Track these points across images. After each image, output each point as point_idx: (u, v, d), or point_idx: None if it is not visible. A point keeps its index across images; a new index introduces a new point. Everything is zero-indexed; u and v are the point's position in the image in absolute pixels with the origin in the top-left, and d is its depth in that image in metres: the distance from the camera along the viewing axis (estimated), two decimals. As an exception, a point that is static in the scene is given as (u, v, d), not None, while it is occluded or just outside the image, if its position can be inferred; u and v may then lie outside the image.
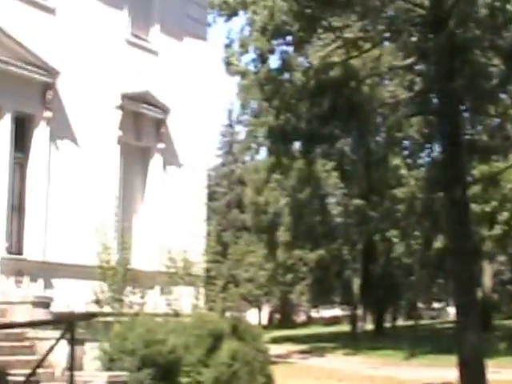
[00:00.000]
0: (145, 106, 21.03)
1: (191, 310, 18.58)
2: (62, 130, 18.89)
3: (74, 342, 11.63)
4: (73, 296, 17.31)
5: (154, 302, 18.24)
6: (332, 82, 38.78)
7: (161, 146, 21.60)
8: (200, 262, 19.90)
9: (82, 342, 14.74)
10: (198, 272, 19.64)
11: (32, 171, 18.41)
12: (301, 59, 40.44)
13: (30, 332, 15.53)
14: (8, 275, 17.39)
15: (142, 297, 17.75)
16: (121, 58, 20.83)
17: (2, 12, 17.61)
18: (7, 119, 17.79)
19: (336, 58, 38.45)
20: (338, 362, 34.36)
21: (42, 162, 18.46)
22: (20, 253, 18.07)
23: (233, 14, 36.44)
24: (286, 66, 38.76)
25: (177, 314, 18.04)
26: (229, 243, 54.29)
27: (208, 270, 20.59)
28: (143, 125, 21.22)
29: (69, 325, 11.35)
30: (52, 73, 18.45)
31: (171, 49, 22.47)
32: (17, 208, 18.18)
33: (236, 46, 37.75)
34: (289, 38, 37.80)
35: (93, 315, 15.36)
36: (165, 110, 21.59)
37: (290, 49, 39.35)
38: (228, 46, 37.99)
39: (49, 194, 18.48)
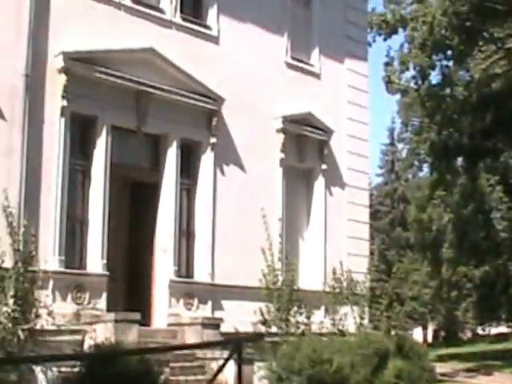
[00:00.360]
0: (307, 128, 21.00)
1: (356, 329, 18.42)
2: (226, 154, 19.19)
3: (241, 361, 11.68)
4: (240, 317, 17.52)
5: (320, 321, 18.19)
6: (495, 94, 37.93)
7: (323, 167, 21.55)
8: (364, 281, 19.72)
9: (250, 362, 14.91)
10: (363, 291, 19.45)
11: (199, 196, 18.78)
12: (462, 73, 39.77)
13: (200, 352, 15.83)
14: (178, 298, 17.80)
15: (308, 317, 17.70)
16: (281, 81, 20.93)
17: (167, 43, 18.10)
18: (174, 146, 18.20)
19: (498, 70, 37.58)
20: (506, 380, 33.26)
21: (208, 187, 18.79)
22: (189, 276, 18.44)
23: (392, 32, 36.30)
24: (446, 80, 38.23)
25: (342, 334, 17.93)
26: (393, 261, 53.69)
27: (372, 289, 20.38)
28: (306, 147, 21.20)
29: (236, 345, 11.43)
30: (217, 100, 18.79)
31: (332, 70, 22.40)
32: (185, 232, 18.56)
33: (396, 64, 37.59)
34: (449, 53, 37.26)
35: (260, 335, 15.48)
36: (327, 132, 21.51)
37: (451, 63, 38.77)
38: (388, 64, 37.83)
39: (215, 217, 18.80)
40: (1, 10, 15.58)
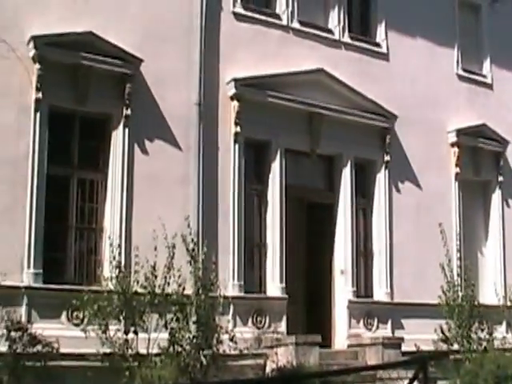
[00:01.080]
0: (482, 140, 19.67)
1: (541, 343, 17.20)
2: (400, 172, 18.29)
3: (427, 380, 10.87)
4: (420, 335, 16.42)
5: (502, 336, 17.04)
6: None
7: (500, 179, 20.20)
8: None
9: (433, 381, 14.02)
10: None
11: (375, 215, 18.00)
12: None
13: (381, 373, 14.99)
14: (357, 318, 17.10)
15: (490, 333, 16.58)
16: (453, 94, 19.74)
17: (336, 63, 17.44)
18: (349, 166, 17.49)
19: None
20: None
21: (384, 205, 17.97)
22: (368, 296, 17.69)
23: None
24: None
25: (527, 349, 16.76)
26: None
27: (555, 302, 19.09)
28: (481, 159, 19.88)
29: (422, 364, 10.62)
30: (389, 117, 17.91)
31: (504, 79, 20.92)
32: (362, 252, 17.83)
33: None
34: None
35: (445, 353, 14.52)
36: (502, 143, 20.12)
37: None
38: None
39: (392, 235, 17.97)
40: (172, 42, 15.38)
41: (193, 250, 13.11)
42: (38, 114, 13.69)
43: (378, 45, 18.68)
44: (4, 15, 13.63)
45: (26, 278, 13.25)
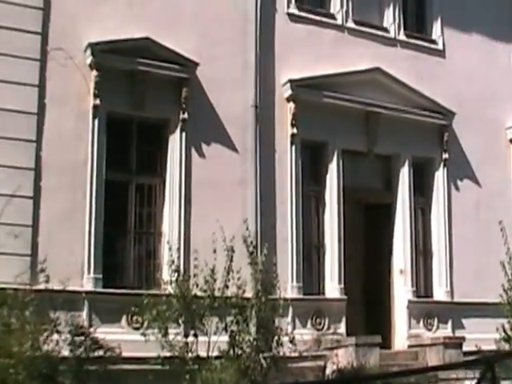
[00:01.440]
0: (539, 136, 18.96)
1: None
2: (459, 169, 17.80)
3: (495, 381, 10.51)
4: (481, 335, 15.92)
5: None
6: None
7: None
8: None
9: (497, 381, 13.69)
10: None
11: (434, 213, 17.57)
12: None
13: (443, 374, 14.64)
14: (417, 318, 16.70)
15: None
16: (511, 89, 19.09)
17: (392, 62, 17.06)
18: (406, 166, 17.09)
19: None
20: None
21: (443, 204, 17.54)
22: (427, 295, 17.25)
23: None
24: None
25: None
26: None
27: None
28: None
29: (489, 364, 10.25)
30: (447, 115, 17.43)
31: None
32: (421, 252, 17.40)
33: None
34: None
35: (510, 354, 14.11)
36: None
37: None
38: None
39: (451, 234, 17.51)
40: (228, 45, 15.20)
41: (251, 252, 12.93)
42: (96, 121, 13.65)
43: (434, 42, 18.22)
44: (61, 23, 13.57)
45: (87, 282, 13.22)
